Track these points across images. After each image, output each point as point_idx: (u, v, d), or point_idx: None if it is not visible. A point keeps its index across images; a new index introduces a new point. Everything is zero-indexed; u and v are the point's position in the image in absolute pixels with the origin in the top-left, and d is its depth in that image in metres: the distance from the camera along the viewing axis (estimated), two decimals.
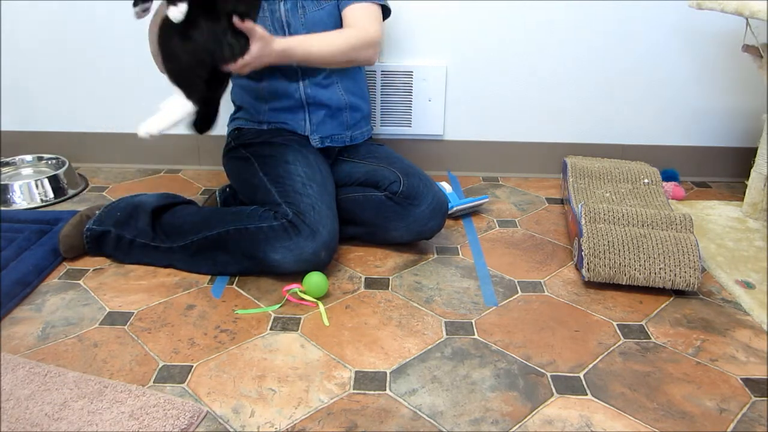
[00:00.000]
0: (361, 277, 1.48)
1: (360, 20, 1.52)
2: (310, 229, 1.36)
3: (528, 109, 2.05)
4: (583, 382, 1.14)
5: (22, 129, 2.09)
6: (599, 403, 1.09)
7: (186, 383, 1.12)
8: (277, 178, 1.46)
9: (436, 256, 1.58)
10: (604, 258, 1.41)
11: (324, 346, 1.23)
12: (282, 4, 1.52)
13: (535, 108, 2.05)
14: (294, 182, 1.43)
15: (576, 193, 1.72)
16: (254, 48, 1.32)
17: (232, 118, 1.70)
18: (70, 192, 1.92)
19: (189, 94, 1.32)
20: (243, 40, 1.32)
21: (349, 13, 1.54)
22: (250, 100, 1.62)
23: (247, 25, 1.29)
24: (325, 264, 1.41)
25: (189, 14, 1.25)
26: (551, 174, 2.11)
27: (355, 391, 1.11)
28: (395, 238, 1.56)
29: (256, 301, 1.38)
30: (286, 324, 1.30)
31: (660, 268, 1.39)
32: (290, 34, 1.52)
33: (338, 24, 1.55)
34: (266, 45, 1.35)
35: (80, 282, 1.44)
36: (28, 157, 2.05)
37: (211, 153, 2.09)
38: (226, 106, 1.74)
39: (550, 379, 1.15)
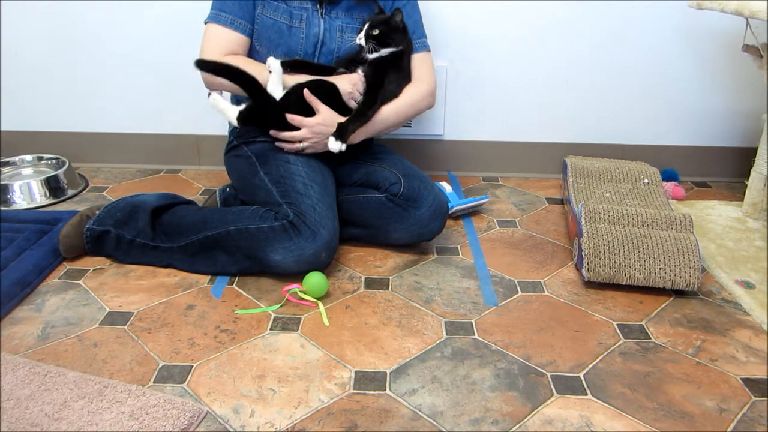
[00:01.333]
0: (361, 277, 1.48)
1: (416, 71, 1.58)
2: (310, 230, 1.36)
3: (528, 109, 2.05)
4: (583, 382, 1.14)
5: (22, 129, 2.09)
6: (599, 403, 1.09)
7: (186, 383, 1.12)
8: (278, 178, 1.46)
9: (436, 256, 1.58)
10: (604, 258, 1.41)
11: (324, 346, 1.23)
12: (321, 21, 1.54)
13: (534, 108, 2.05)
14: (295, 182, 1.43)
15: (576, 193, 1.72)
16: (314, 118, 1.45)
17: None
18: (70, 192, 1.92)
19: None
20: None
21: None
22: None
23: (310, 98, 1.44)
24: (326, 265, 1.41)
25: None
26: (551, 174, 2.11)
27: (355, 391, 1.11)
28: (396, 240, 1.56)
29: (256, 301, 1.38)
30: (286, 324, 1.30)
31: (660, 268, 1.39)
32: (321, 53, 1.55)
33: None
34: (330, 119, 1.46)
35: (80, 282, 1.44)
36: (28, 157, 2.05)
37: (211, 153, 2.09)
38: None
39: (550, 379, 1.15)
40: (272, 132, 1.47)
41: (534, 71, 2.00)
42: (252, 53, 1.57)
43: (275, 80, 1.45)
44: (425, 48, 1.63)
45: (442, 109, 2.02)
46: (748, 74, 1.97)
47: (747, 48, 1.66)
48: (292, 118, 1.44)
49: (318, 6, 1.54)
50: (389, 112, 1.52)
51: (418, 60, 1.60)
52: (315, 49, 1.55)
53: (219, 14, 1.51)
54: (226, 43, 1.51)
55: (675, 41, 1.96)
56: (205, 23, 1.53)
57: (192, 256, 1.46)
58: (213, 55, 1.48)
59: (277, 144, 1.49)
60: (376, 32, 1.46)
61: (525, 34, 1.96)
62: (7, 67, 2.01)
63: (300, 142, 1.47)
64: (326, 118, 1.45)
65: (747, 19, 1.63)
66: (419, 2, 1.69)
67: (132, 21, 1.96)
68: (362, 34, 1.47)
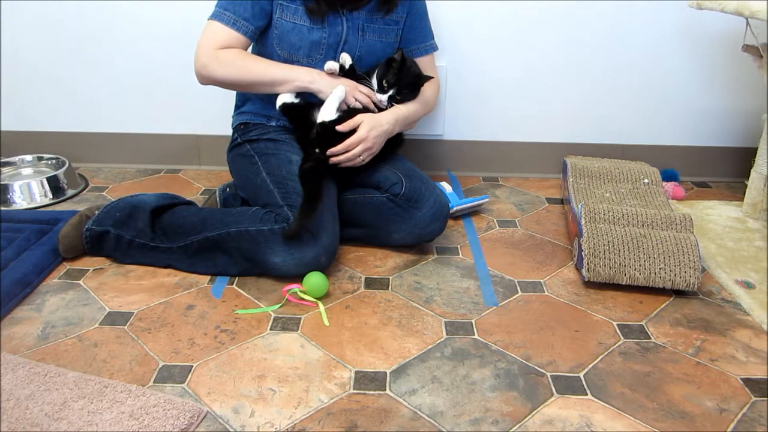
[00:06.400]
0: (361, 277, 1.48)
1: (430, 71, 1.65)
2: (311, 233, 1.36)
3: (527, 109, 2.05)
4: (583, 382, 1.14)
5: (22, 129, 2.09)
6: (599, 403, 1.09)
7: (186, 383, 1.12)
8: (280, 179, 1.46)
9: (436, 256, 1.58)
10: (604, 258, 1.41)
11: (324, 346, 1.23)
12: (344, 20, 1.54)
13: (534, 108, 2.05)
14: (297, 184, 1.43)
15: (576, 193, 1.72)
16: (362, 130, 1.46)
17: (238, 112, 1.68)
18: (70, 192, 1.92)
19: None
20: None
21: (420, 63, 1.64)
22: (263, 95, 1.61)
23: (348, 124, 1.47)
24: (325, 267, 1.41)
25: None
26: (551, 174, 2.11)
27: (355, 391, 1.11)
28: (396, 241, 1.56)
29: (256, 301, 1.38)
30: (286, 324, 1.30)
31: (660, 268, 1.39)
32: (343, 50, 1.55)
33: (390, 55, 1.57)
34: (374, 121, 1.48)
35: (80, 282, 1.44)
36: (28, 157, 2.05)
37: (211, 153, 2.09)
38: (231, 102, 1.74)
39: (550, 379, 1.15)
40: (330, 152, 1.46)
41: (534, 71, 2.00)
42: (269, 55, 1.56)
43: (334, 103, 1.48)
44: (434, 49, 1.71)
45: (442, 109, 2.02)
46: (748, 74, 1.97)
47: (747, 48, 1.66)
48: (344, 127, 1.46)
49: (339, 9, 1.54)
50: (415, 106, 1.60)
51: (427, 62, 1.68)
52: (337, 48, 1.55)
53: (223, 13, 1.49)
54: (223, 39, 1.49)
55: (674, 41, 1.96)
56: (208, 20, 1.51)
57: (191, 257, 1.46)
58: (209, 48, 1.48)
59: (334, 160, 1.48)
60: (393, 92, 1.53)
61: (525, 33, 1.95)
62: (7, 67, 2.01)
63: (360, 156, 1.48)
64: (370, 119, 1.47)
65: (747, 19, 1.63)
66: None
67: (132, 21, 1.96)
68: (385, 97, 1.53)
